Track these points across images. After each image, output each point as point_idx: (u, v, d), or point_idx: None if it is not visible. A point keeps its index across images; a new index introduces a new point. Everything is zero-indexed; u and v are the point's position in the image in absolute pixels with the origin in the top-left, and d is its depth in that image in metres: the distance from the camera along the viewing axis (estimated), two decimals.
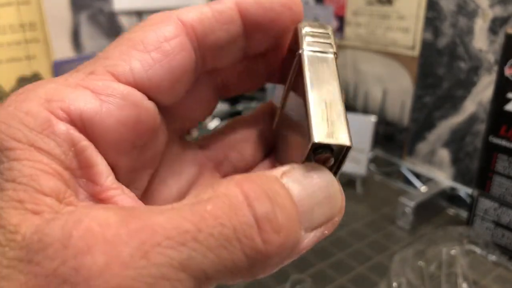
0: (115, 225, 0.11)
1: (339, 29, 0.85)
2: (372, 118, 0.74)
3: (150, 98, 0.16)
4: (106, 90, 0.14)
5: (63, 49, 0.77)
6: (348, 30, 0.83)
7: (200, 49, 0.17)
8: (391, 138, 0.81)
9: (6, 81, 0.72)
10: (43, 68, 0.74)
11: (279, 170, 0.14)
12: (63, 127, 0.13)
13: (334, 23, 0.85)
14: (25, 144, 0.13)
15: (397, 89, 0.78)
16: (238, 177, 0.13)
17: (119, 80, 0.15)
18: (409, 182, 0.77)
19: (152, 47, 0.15)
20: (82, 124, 0.14)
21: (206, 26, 0.16)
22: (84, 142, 0.14)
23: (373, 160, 0.80)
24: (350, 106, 0.87)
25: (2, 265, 0.11)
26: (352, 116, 0.76)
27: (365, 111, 0.84)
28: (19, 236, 0.12)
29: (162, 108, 0.17)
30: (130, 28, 0.16)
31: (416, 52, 0.73)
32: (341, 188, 0.15)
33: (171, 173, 0.19)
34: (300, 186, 0.14)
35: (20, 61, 0.72)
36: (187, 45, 0.16)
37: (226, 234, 0.12)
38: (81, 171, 0.14)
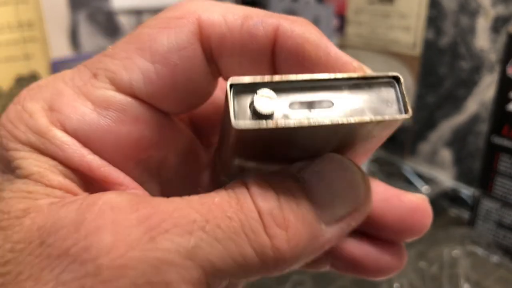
0: (126, 209, 0.12)
1: (340, 28, 0.84)
2: None
3: (156, 109, 0.15)
4: (105, 102, 0.14)
5: (61, 48, 0.77)
6: (349, 29, 0.83)
7: (214, 61, 0.15)
8: (393, 138, 0.80)
9: (3, 80, 0.71)
10: (41, 67, 0.74)
11: (296, 166, 0.14)
12: (63, 136, 0.14)
13: (335, 22, 0.85)
14: (28, 146, 0.13)
15: None
16: (250, 176, 0.13)
17: (119, 89, 0.14)
18: (410, 183, 0.77)
19: (158, 57, 0.14)
20: (79, 139, 0.14)
21: (227, 39, 0.14)
22: (85, 149, 0.14)
23: (375, 160, 0.80)
24: None
25: (5, 249, 0.12)
26: None
27: None
28: (27, 220, 0.12)
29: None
30: (150, 17, 0.15)
31: (417, 51, 0.73)
32: (365, 175, 0.14)
33: (186, 182, 0.18)
34: (316, 179, 0.14)
35: (18, 60, 0.72)
36: (200, 56, 0.14)
37: (233, 227, 0.12)
38: (88, 174, 0.14)
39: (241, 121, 0.13)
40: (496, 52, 0.62)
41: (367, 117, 0.13)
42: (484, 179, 0.58)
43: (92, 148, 0.14)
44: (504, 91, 0.54)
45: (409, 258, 0.52)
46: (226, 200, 0.12)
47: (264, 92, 0.13)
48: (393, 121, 0.13)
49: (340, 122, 0.13)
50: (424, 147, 0.76)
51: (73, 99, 0.14)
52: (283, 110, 0.13)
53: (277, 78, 0.13)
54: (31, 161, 0.13)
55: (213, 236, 0.12)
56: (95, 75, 0.14)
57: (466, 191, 0.69)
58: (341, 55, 0.15)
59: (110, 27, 0.81)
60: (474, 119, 0.67)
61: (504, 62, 0.54)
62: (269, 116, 0.13)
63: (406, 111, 0.13)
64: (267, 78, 0.13)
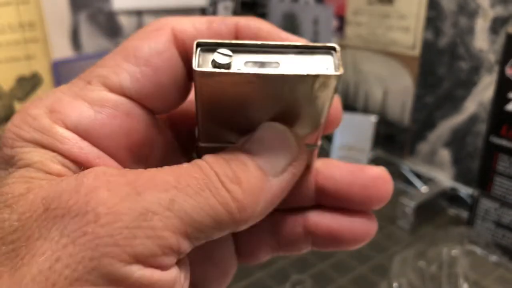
0: (116, 175, 0.15)
1: (340, 29, 0.85)
2: (373, 118, 0.74)
3: (144, 107, 0.18)
4: (100, 101, 0.16)
5: (62, 49, 0.77)
6: (349, 30, 0.83)
7: (190, 59, 0.18)
8: (392, 138, 0.81)
9: (5, 80, 0.72)
10: (42, 67, 0.74)
11: (240, 141, 0.18)
12: (64, 131, 0.16)
13: (335, 23, 0.85)
14: (32, 143, 0.15)
15: (397, 89, 0.78)
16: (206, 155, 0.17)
17: (111, 90, 0.17)
18: (409, 182, 0.77)
19: (142, 61, 0.17)
20: (79, 133, 0.16)
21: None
22: (84, 142, 0.16)
23: (374, 160, 0.80)
24: (350, 106, 0.87)
25: (12, 219, 0.14)
26: (353, 116, 0.76)
27: (366, 111, 0.84)
28: (31, 195, 0.14)
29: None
30: (131, 34, 0.18)
31: (416, 52, 0.73)
32: (295, 134, 0.18)
33: None
34: (256, 144, 0.17)
35: (19, 60, 0.72)
36: (177, 58, 0.17)
37: (199, 185, 0.15)
38: (86, 164, 0.16)
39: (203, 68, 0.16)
40: (495, 52, 0.63)
41: (304, 72, 0.16)
42: (483, 179, 0.59)
43: (90, 141, 0.16)
44: (502, 91, 0.55)
45: (408, 257, 0.52)
46: (191, 168, 0.15)
47: (223, 51, 0.16)
48: (328, 78, 0.16)
49: (281, 73, 0.16)
50: (423, 147, 0.76)
51: (71, 101, 0.16)
52: (238, 66, 0.16)
53: (234, 41, 0.16)
54: (33, 154, 0.15)
55: (184, 192, 0.14)
56: (89, 82, 0.17)
57: (465, 191, 0.69)
58: (292, 37, 0.18)
59: (110, 28, 0.81)
60: (473, 120, 0.68)
61: (503, 63, 0.54)
62: (226, 67, 0.16)
63: (338, 71, 0.16)
64: (227, 40, 0.16)
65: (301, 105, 0.17)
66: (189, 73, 0.18)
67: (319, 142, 0.20)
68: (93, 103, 0.16)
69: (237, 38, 0.18)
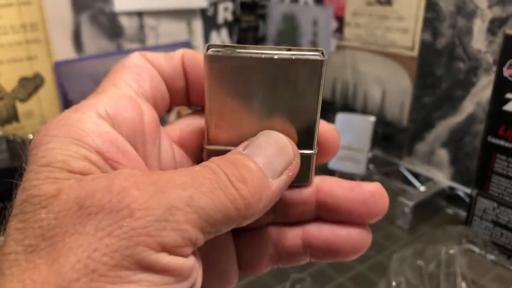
0: (142, 176, 0.16)
1: (339, 30, 0.85)
2: (371, 118, 0.75)
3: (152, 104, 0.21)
4: (118, 96, 0.19)
5: (64, 50, 0.77)
6: (348, 31, 0.83)
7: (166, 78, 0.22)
8: (390, 138, 0.81)
9: (7, 81, 0.72)
10: (44, 68, 0.75)
11: (241, 146, 0.20)
12: (89, 120, 0.18)
13: (334, 24, 0.85)
14: (59, 137, 0.17)
15: (396, 89, 0.78)
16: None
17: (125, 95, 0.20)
18: (408, 182, 0.77)
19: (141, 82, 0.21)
20: (106, 120, 0.18)
21: (164, 68, 0.21)
22: (109, 129, 0.18)
23: (372, 160, 0.80)
24: (349, 107, 0.87)
25: (49, 218, 0.15)
26: (352, 116, 0.77)
27: (364, 111, 0.84)
28: (63, 195, 0.15)
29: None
30: (131, 37, 0.21)
31: (415, 53, 0.73)
32: (290, 141, 0.20)
33: None
34: (257, 149, 0.19)
35: (21, 61, 0.72)
36: (156, 76, 0.21)
37: (212, 184, 0.17)
38: (110, 153, 0.18)
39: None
40: (493, 53, 0.63)
41: (294, 56, 0.19)
42: (481, 179, 0.59)
43: (115, 128, 0.18)
44: (500, 92, 0.55)
45: (407, 256, 0.53)
46: (203, 169, 0.17)
47: (228, 48, 0.19)
48: (315, 62, 0.19)
49: (276, 57, 0.19)
50: (422, 147, 0.76)
51: (92, 103, 0.18)
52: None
53: (239, 45, 0.19)
54: (57, 151, 0.16)
55: (200, 191, 0.16)
56: (102, 90, 0.20)
57: (463, 191, 0.70)
58: None
59: (112, 29, 0.81)
60: (471, 120, 0.68)
61: (500, 63, 0.54)
62: (229, 53, 0.19)
63: (323, 57, 0.19)
64: (231, 44, 0.20)
65: (295, 96, 0.20)
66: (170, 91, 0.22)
67: (315, 150, 0.21)
68: (112, 98, 0.19)
69: (184, 68, 0.22)
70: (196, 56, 0.22)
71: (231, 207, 0.17)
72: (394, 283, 0.50)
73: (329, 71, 0.88)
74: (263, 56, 0.19)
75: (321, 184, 0.22)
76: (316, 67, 0.19)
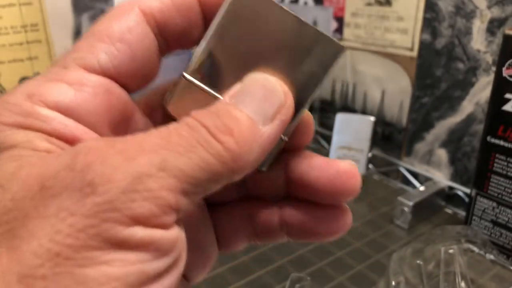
0: (105, 148, 0.15)
1: (338, 30, 0.85)
2: (371, 119, 0.75)
3: (121, 84, 0.18)
4: (79, 81, 0.17)
5: (65, 50, 0.77)
6: (347, 31, 0.84)
7: (162, 35, 0.19)
8: (390, 138, 0.81)
9: (8, 81, 0.72)
10: (45, 68, 0.75)
11: (226, 95, 0.18)
12: (47, 111, 0.16)
13: (333, 24, 0.86)
14: (15, 126, 0.15)
15: (395, 89, 0.78)
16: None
17: (89, 71, 0.17)
18: (407, 182, 0.77)
19: (116, 39, 0.17)
20: (61, 111, 0.17)
21: (166, 14, 0.19)
22: (67, 120, 0.16)
23: (372, 160, 0.80)
24: (349, 107, 0.87)
25: (5, 199, 0.14)
26: (351, 116, 0.77)
27: (364, 111, 0.84)
28: (23, 172, 0.14)
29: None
30: (97, 20, 0.19)
31: (414, 53, 0.73)
32: (280, 82, 0.18)
33: None
34: (243, 96, 0.17)
35: (22, 61, 0.72)
36: (149, 33, 0.18)
37: (189, 142, 0.15)
38: (74, 139, 0.16)
39: None
40: (492, 53, 0.63)
41: (320, 30, 0.18)
42: (480, 179, 0.59)
43: (73, 118, 0.17)
44: (499, 92, 0.55)
45: (406, 256, 0.53)
46: (179, 127, 0.16)
47: None
48: (336, 45, 0.18)
49: (303, 19, 0.17)
50: (421, 147, 0.77)
51: (49, 84, 0.17)
52: None
53: None
54: (17, 135, 0.15)
55: (175, 151, 0.15)
56: (65, 67, 0.17)
57: (462, 190, 0.70)
58: None
59: None
60: (470, 120, 0.68)
61: (500, 64, 0.54)
62: None
63: (344, 50, 0.18)
64: None
65: (298, 68, 0.18)
66: (161, 47, 0.19)
67: (287, 137, 0.20)
68: (72, 83, 0.17)
69: (202, 8, 0.19)
70: None
71: (215, 162, 0.15)
72: (393, 283, 0.50)
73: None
74: (292, 12, 0.17)
75: (291, 160, 0.20)
76: (336, 50, 0.18)
